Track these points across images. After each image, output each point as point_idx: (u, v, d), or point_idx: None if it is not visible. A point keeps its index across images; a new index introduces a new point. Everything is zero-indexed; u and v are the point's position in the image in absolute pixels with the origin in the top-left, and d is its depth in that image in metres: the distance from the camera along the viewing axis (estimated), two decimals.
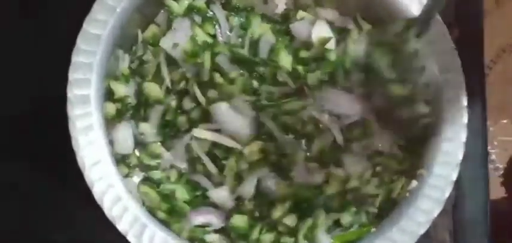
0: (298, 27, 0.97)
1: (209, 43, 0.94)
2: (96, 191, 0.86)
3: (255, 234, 0.91)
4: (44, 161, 1.01)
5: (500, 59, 1.66)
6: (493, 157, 1.68)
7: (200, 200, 0.94)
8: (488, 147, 1.10)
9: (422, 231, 0.87)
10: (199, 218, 0.92)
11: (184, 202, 0.93)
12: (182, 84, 0.94)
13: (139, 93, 0.94)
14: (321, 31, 0.97)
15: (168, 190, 0.93)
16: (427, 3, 0.82)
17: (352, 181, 0.93)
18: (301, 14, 0.98)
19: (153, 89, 0.94)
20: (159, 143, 0.95)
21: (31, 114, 1.03)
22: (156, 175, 0.94)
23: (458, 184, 0.89)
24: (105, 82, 0.92)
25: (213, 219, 0.92)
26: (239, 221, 0.91)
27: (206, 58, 0.93)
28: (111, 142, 0.92)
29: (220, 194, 0.93)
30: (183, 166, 0.95)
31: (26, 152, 1.03)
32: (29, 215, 1.03)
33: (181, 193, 0.93)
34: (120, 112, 0.94)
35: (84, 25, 0.90)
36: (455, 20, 1.07)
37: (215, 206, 0.93)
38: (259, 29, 0.96)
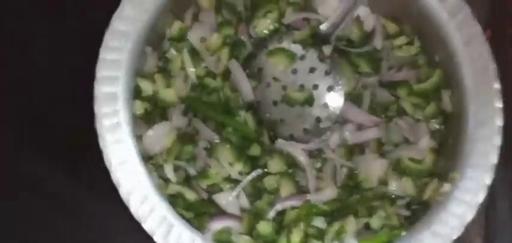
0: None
1: (231, 37, 0.95)
2: (123, 190, 0.85)
3: (282, 241, 0.89)
4: (71, 160, 1.01)
5: None
6: None
7: (208, 204, 0.92)
8: None
9: (455, 236, 0.85)
10: (215, 224, 0.90)
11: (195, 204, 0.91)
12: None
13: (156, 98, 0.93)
14: None
15: (176, 191, 0.91)
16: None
17: (368, 180, 0.92)
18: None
19: (168, 95, 0.93)
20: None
21: (59, 111, 1.03)
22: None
23: (491, 187, 0.87)
24: (133, 80, 0.91)
25: (231, 223, 0.91)
26: (265, 228, 0.90)
27: (224, 52, 0.93)
28: (138, 141, 0.90)
29: (227, 199, 0.92)
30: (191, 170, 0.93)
31: (52, 150, 1.03)
32: (51, 213, 1.03)
33: (190, 195, 0.91)
34: (148, 110, 0.92)
35: (112, 21, 0.89)
36: (491, 20, 1.04)
37: (223, 211, 0.92)
38: None
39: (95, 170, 0.86)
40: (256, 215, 0.91)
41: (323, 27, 0.93)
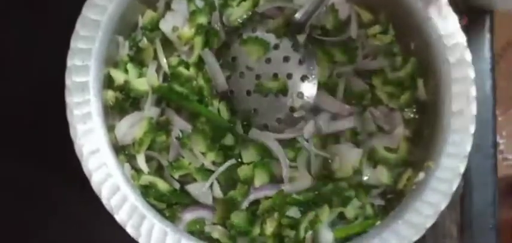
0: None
1: (203, 27, 0.93)
2: (94, 180, 0.84)
3: (256, 231, 0.89)
4: (42, 151, 1.00)
5: (511, 47, 1.64)
6: (502, 147, 1.65)
7: (180, 194, 0.92)
8: (497, 137, 1.08)
9: (429, 224, 0.85)
10: (188, 215, 0.90)
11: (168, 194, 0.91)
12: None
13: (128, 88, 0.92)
14: None
15: (148, 181, 0.90)
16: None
17: (342, 170, 0.91)
18: None
19: (141, 84, 0.92)
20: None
21: (29, 101, 1.02)
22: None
23: (466, 176, 0.87)
24: (104, 69, 0.90)
25: (204, 214, 0.90)
26: (238, 218, 0.89)
27: (197, 42, 0.93)
28: (110, 131, 0.89)
29: (200, 190, 0.91)
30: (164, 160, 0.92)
31: (23, 141, 1.02)
32: (25, 207, 1.01)
33: (162, 186, 0.90)
34: (120, 100, 0.91)
35: (84, 10, 0.88)
36: (466, 7, 1.04)
37: (196, 201, 0.91)
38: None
39: (73, 159, 0.85)
40: (230, 205, 0.90)
41: (297, 15, 0.92)
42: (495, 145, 1.06)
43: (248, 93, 0.93)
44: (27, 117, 1.01)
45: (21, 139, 1.02)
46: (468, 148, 0.87)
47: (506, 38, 1.59)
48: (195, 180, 0.91)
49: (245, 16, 0.95)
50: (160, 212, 0.89)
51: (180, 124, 0.92)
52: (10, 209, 1.02)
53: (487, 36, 1.08)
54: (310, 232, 0.89)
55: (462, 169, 0.86)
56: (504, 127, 1.64)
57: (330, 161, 0.93)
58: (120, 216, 0.84)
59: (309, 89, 0.93)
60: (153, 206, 0.88)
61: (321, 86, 0.94)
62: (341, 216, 0.91)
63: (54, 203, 1.02)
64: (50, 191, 1.02)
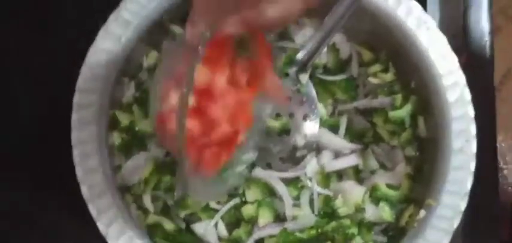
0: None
1: None
2: (101, 223, 0.85)
3: None
4: (51, 189, 1.00)
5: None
6: (506, 172, 1.66)
7: (186, 233, 0.93)
8: (501, 163, 1.09)
9: None
10: None
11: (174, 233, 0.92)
12: None
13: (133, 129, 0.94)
14: None
15: (154, 221, 0.92)
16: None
17: (345, 207, 0.93)
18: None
19: (146, 125, 0.93)
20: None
21: (38, 138, 1.02)
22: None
23: (468, 207, 0.88)
24: (110, 110, 0.91)
25: None
26: None
27: None
28: (117, 171, 0.91)
29: (205, 229, 0.92)
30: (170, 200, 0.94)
31: (32, 178, 1.02)
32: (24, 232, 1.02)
33: (168, 225, 0.91)
34: (126, 141, 0.93)
35: (89, 54, 0.89)
36: (464, 42, 1.06)
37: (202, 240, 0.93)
38: None
39: (80, 198, 0.86)
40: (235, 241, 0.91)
41: (299, 55, 0.93)
42: (497, 178, 1.06)
43: None
44: (33, 150, 1.02)
45: (26, 172, 1.03)
46: (469, 186, 0.88)
47: (508, 65, 1.59)
48: (200, 219, 0.92)
49: None
50: None
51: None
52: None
53: (488, 67, 1.08)
54: None
55: (463, 207, 0.87)
56: (507, 153, 1.64)
57: (332, 199, 0.94)
58: None
59: (311, 128, 0.94)
60: None
61: (323, 124, 0.95)
62: None
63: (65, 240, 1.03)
64: (55, 225, 1.03)
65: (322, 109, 0.96)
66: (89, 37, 0.90)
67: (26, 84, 1.06)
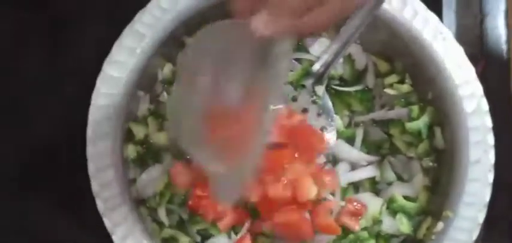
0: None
1: None
2: (116, 236, 0.85)
3: None
4: (66, 204, 1.00)
5: None
6: None
7: None
8: None
9: None
10: None
11: None
12: None
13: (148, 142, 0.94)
14: None
15: (169, 235, 0.91)
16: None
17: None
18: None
19: (161, 138, 0.93)
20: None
21: (50, 149, 1.02)
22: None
23: (487, 218, 0.87)
24: (125, 123, 0.91)
25: None
26: None
27: None
28: (132, 184, 0.90)
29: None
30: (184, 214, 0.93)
31: (48, 194, 1.02)
32: None
33: (184, 239, 0.91)
34: (141, 154, 0.92)
35: (104, 67, 0.89)
36: (481, 51, 1.05)
37: None
38: None
39: (95, 212, 0.86)
40: None
41: (315, 66, 0.93)
42: None
43: None
44: (46, 165, 1.02)
45: (40, 188, 1.02)
46: (487, 197, 0.87)
47: None
48: (212, 235, 0.91)
49: None
50: None
51: None
52: None
53: (505, 77, 1.07)
54: None
55: (481, 219, 0.86)
56: None
57: None
58: None
59: (328, 139, 0.93)
60: None
61: (339, 136, 0.95)
62: None
63: None
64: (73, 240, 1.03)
65: (338, 121, 0.95)
66: (104, 49, 0.90)
67: (40, 99, 1.05)
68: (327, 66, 0.93)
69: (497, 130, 0.89)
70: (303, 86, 0.94)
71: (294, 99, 0.94)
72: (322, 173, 0.90)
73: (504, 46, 1.07)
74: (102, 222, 0.86)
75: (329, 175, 0.91)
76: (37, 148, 1.03)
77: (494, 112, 0.90)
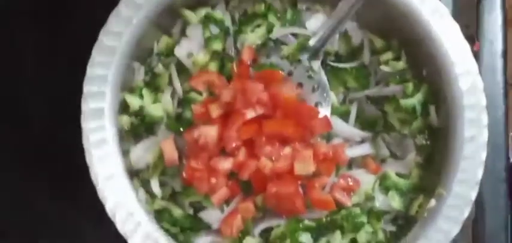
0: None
1: (218, 53, 0.94)
2: (109, 206, 0.85)
3: None
4: (58, 176, 1.01)
5: None
6: None
7: (194, 220, 0.93)
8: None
9: None
10: (201, 240, 0.92)
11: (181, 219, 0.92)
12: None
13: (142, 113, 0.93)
14: None
15: (162, 206, 0.92)
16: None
17: (355, 196, 0.92)
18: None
19: (156, 110, 0.93)
20: None
21: (47, 126, 1.02)
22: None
23: (478, 200, 0.87)
24: (120, 95, 0.91)
25: (217, 239, 0.92)
26: None
27: (211, 68, 0.93)
28: (125, 156, 0.90)
29: (213, 216, 0.92)
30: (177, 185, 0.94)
31: (40, 166, 1.03)
32: (40, 230, 1.02)
33: (176, 211, 0.91)
34: (135, 125, 0.92)
35: (100, 36, 0.89)
36: (477, 32, 1.05)
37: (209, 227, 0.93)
38: None
39: (88, 184, 0.86)
40: (243, 232, 0.90)
41: (311, 42, 0.93)
42: (508, 168, 1.05)
43: None
44: (43, 143, 1.02)
45: (36, 166, 1.03)
46: (479, 175, 0.87)
47: None
48: (205, 207, 0.92)
49: (259, 42, 0.95)
50: (173, 236, 0.90)
51: None
52: (26, 236, 1.03)
53: (500, 61, 1.08)
54: None
55: (473, 196, 0.87)
56: None
57: None
58: (134, 241, 0.85)
59: (323, 115, 0.93)
60: (166, 230, 0.89)
61: (333, 112, 0.95)
62: (353, 242, 0.92)
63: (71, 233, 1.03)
64: (65, 219, 1.03)
65: (333, 97, 0.95)
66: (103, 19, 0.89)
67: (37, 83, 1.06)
68: (324, 41, 0.93)
69: (490, 111, 0.90)
70: (299, 61, 0.94)
71: (290, 74, 0.94)
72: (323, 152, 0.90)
73: (500, 27, 1.07)
74: (97, 199, 0.86)
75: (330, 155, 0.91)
76: (33, 122, 1.04)
77: (488, 92, 0.90)
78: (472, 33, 1.03)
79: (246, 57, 0.93)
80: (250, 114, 0.88)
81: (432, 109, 0.93)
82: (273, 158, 0.88)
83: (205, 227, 0.92)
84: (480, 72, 0.90)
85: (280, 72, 0.93)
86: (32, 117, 1.04)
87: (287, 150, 0.89)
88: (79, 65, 0.88)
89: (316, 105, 0.94)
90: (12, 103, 1.05)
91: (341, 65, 0.96)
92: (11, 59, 1.06)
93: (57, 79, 1.03)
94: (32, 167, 1.03)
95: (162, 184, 0.93)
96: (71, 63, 0.91)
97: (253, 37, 0.95)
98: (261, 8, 0.96)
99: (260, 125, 0.88)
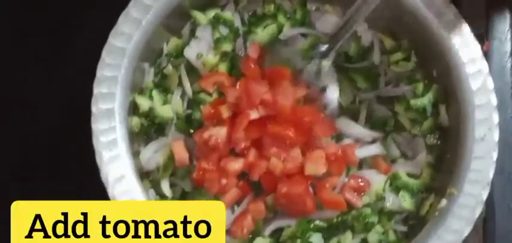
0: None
1: (228, 54, 0.94)
2: None
3: None
4: (69, 177, 1.01)
5: None
6: None
7: None
8: None
9: None
10: None
11: None
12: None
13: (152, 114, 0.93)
14: None
15: None
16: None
17: (366, 196, 0.92)
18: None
19: (165, 111, 0.93)
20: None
21: (57, 128, 1.02)
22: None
23: (489, 199, 0.87)
24: (130, 96, 0.91)
25: (227, 239, 0.90)
26: None
27: (221, 69, 0.94)
28: (135, 157, 0.90)
29: None
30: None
31: (50, 168, 1.02)
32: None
33: None
34: (145, 126, 0.92)
35: (110, 38, 0.89)
36: (487, 32, 1.05)
37: None
38: None
39: (98, 185, 0.86)
40: (253, 232, 0.90)
41: (322, 42, 0.93)
42: None
43: None
44: (54, 145, 1.02)
45: (47, 167, 1.02)
46: (491, 175, 0.87)
47: None
48: None
49: (268, 40, 0.95)
50: None
51: None
52: None
53: (509, 60, 1.07)
54: None
55: (485, 196, 0.87)
56: None
57: None
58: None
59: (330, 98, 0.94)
60: None
61: (343, 112, 0.95)
62: (364, 242, 0.91)
63: None
64: None
65: (343, 97, 0.95)
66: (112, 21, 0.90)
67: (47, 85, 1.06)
68: (334, 42, 0.92)
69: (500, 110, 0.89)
70: (310, 59, 0.94)
71: (301, 71, 0.94)
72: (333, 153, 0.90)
73: (509, 27, 1.07)
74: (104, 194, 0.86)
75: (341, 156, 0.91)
76: (44, 124, 1.04)
77: (498, 91, 0.90)
78: (482, 33, 1.02)
79: (252, 54, 0.92)
80: (253, 115, 0.88)
81: (442, 109, 0.93)
82: (282, 159, 0.88)
83: None
84: (490, 72, 0.90)
85: (290, 69, 0.93)
86: (42, 118, 1.04)
87: (296, 151, 0.88)
88: (89, 67, 0.88)
89: (322, 90, 0.93)
90: (22, 105, 1.04)
91: (351, 65, 0.96)
92: (20, 60, 1.06)
93: (68, 81, 1.03)
94: (41, 170, 1.03)
95: (172, 185, 0.93)
96: (80, 65, 0.90)
97: (263, 34, 0.95)
98: (271, 8, 0.96)
99: (266, 126, 0.88)
